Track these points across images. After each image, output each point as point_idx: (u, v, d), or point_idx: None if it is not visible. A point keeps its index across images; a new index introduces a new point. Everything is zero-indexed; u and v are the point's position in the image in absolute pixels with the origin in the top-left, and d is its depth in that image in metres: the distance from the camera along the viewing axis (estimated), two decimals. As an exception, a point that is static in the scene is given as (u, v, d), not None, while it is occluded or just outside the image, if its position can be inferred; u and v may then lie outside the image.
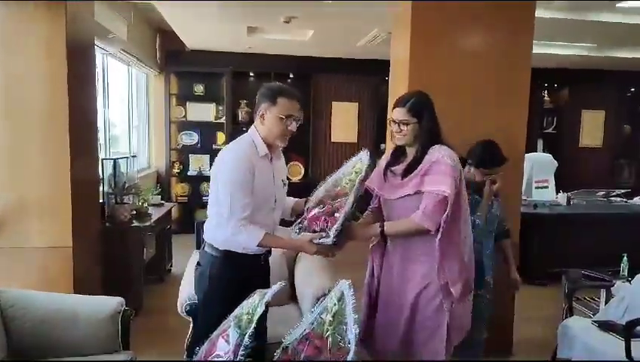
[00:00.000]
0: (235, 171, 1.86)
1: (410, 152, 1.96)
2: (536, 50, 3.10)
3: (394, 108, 1.97)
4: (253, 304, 1.65)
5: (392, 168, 2.00)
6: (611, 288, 2.87)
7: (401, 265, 1.96)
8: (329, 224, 1.85)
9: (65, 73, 2.52)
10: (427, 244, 1.87)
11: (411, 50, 2.88)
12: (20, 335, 2.04)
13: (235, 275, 1.90)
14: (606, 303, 2.94)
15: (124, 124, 5.52)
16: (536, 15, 3.04)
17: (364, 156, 1.93)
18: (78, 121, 2.67)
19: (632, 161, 7.18)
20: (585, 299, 3.31)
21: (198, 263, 2.02)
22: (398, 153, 2.02)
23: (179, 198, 6.32)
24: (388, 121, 2.05)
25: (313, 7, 3.95)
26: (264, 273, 2.07)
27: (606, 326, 2.52)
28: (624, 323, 2.34)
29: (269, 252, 2.09)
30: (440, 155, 1.87)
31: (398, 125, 1.92)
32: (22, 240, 2.54)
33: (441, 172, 1.84)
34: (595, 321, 2.61)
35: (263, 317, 1.64)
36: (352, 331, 1.60)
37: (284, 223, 2.11)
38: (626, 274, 3.12)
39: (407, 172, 1.91)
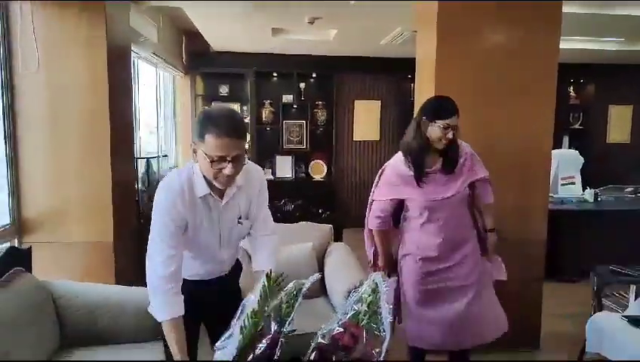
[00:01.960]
0: (160, 220, 1.57)
1: (437, 152, 2.11)
2: (561, 45, 3.10)
3: (450, 116, 2.07)
4: (292, 293, 1.73)
5: (429, 170, 2.13)
6: (641, 284, 2.86)
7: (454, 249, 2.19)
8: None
9: (106, 78, 2.66)
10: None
11: (438, 49, 2.90)
12: (70, 324, 2.17)
13: (192, 298, 1.63)
14: (636, 299, 2.93)
15: (152, 124, 5.70)
16: (566, 11, 3.03)
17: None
18: (117, 123, 2.81)
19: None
20: (614, 294, 3.31)
21: None
22: (421, 158, 2.12)
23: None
24: (416, 123, 2.18)
25: (337, 7, 4.02)
26: (221, 295, 1.77)
27: (636, 321, 2.52)
28: (655, 318, 2.34)
29: (230, 274, 1.84)
30: (468, 148, 2.23)
31: (452, 130, 2.07)
32: (67, 236, 2.70)
33: (479, 160, 2.25)
34: (624, 316, 2.61)
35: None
36: (387, 320, 1.67)
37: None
38: (656, 270, 3.09)
39: (451, 167, 2.10)
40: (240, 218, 1.71)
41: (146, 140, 5.49)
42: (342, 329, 1.72)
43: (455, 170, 2.13)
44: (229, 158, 1.47)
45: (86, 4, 2.63)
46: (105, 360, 2.07)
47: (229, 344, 1.55)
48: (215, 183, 1.55)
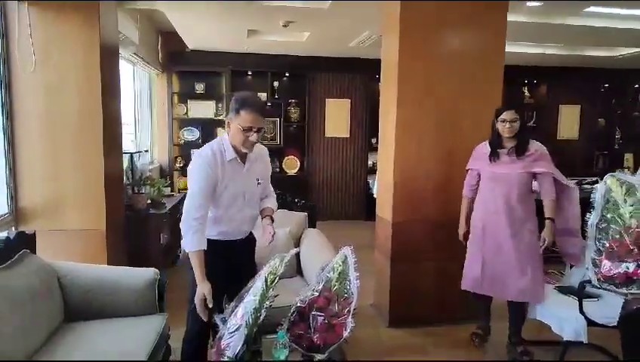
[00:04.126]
0: (197, 176, 2.07)
1: (511, 141, 2.84)
2: (515, 49, 3.50)
3: (505, 110, 2.82)
4: (275, 265, 2.04)
5: (500, 150, 2.86)
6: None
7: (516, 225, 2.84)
8: None
9: (99, 77, 2.88)
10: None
11: (400, 51, 3.26)
12: (73, 300, 2.41)
13: (211, 261, 2.10)
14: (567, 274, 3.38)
15: (130, 121, 5.85)
16: (514, 19, 3.43)
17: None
18: (108, 120, 3.04)
19: (605, 152, 7.69)
20: (553, 272, 3.75)
21: None
22: (494, 143, 2.89)
23: (182, 191, 6.65)
24: (492, 122, 2.91)
25: (310, 11, 4.33)
26: (243, 258, 2.30)
27: (564, 289, 2.96)
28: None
29: (247, 240, 2.32)
30: (541, 148, 2.86)
31: (510, 122, 2.78)
32: (63, 224, 2.92)
33: (547, 158, 2.83)
34: (556, 287, 3.05)
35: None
36: (355, 284, 2.02)
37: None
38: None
39: (519, 153, 2.81)
40: (258, 180, 2.25)
41: (128, 136, 5.65)
42: (317, 294, 2.06)
43: (521, 158, 2.81)
44: (255, 129, 2.05)
45: (80, 5, 2.83)
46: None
47: (234, 339, 1.86)
48: (242, 148, 2.10)
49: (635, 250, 2.00)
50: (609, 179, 2.10)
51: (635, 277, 2.01)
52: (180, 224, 2.09)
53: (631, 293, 1.98)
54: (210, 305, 2.04)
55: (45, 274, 2.31)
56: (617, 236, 2.14)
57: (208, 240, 2.14)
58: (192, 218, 2.06)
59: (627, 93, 7.67)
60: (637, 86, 7.64)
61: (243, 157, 2.17)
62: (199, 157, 2.11)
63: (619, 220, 2.06)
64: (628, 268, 2.16)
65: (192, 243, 2.07)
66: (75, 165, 2.92)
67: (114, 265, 2.90)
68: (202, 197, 2.07)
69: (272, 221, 2.28)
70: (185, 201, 2.10)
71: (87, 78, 2.87)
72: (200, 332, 2.22)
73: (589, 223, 2.39)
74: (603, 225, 2.38)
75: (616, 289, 2.03)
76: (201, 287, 2.05)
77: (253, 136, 2.06)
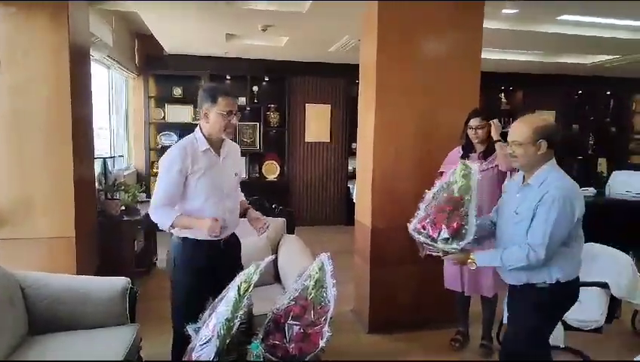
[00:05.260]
0: (168, 166, 2.13)
1: (482, 145, 2.95)
2: (492, 56, 3.55)
3: (472, 117, 2.92)
4: (249, 273, 1.98)
5: (471, 154, 2.95)
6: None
7: None
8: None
9: (68, 79, 2.78)
10: None
11: (378, 54, 3.26)
12: (38, 311, 2.30)
13: (195, 261, 2.17)
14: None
15: (105, 125, 5.71)
16: (490, 26, 3.48)
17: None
18: (79, 123, 2.93)
19: (580, 157, 7.86)
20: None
21: (168, 250, 2.33)
22: (465, 147, 3.01)
23: (159, 197, 6.52)
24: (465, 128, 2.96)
25: (289, 15, 4.30)
26: (228, 260, 2.25)
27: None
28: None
29: (231, 240, 2.30)
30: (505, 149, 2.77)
31: (476, 129, 2.91)
32: (30, 232, 2.80)
33: (506, 158, 2.66)
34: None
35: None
36: (332, 292, 1.97)
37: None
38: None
39: (486, 157, 2.93)
40: (235, 173, 2.32)
41: (97, 141, 5.50)
42: (293, 302, 2.01)
43: (489, 159, 2.85)
44: (234, 112, 2.15)
45: (48, 5, 2.73)
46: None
47: (205, 351, 1.80)
48: (224, 134, 2.17)
49: (448, 212, 2.12)
50: (460, 164, 2.24)
51: (447, 235, 2.07)
52: (150, 215, 2.15)
53: (452, 248, 2.06)
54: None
55: (7, 283, 2.20)
56: (437, 201, 2.21)
57: (190, 242, 2.18)
58: (158, 204, 2.14)
59: (599, 99, 7.86)
60: (609, 93, 7.84)
61: (217, 148, 2.22)
62: (175, 148, 2.17)
63: (447, 189, 2.21)
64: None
65: (165, 217, 2.12)
66: (43, 170, 2.81)
67: (84, 274, 2.79)
68: (168, 186, 2.13)
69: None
70: (153, 196, 2.18)
71: (56, 79, 2.77)
72: (179, 316, 2.14)
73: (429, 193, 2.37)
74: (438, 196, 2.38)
75: (435, 244, 2.08)
76: (203, 223, 2.09)
77: (234, 119, 2.15)
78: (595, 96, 7.81)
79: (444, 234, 2.10)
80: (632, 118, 8.10)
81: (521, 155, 2.05)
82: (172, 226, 2.13)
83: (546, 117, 2.11)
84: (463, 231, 2.10)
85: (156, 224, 2.16)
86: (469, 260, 2.13)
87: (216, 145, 2.21)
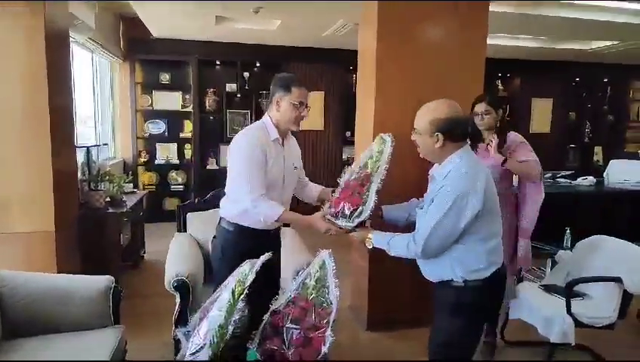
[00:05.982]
0: (252, 152, 2.07)
1: (489, 134, 2.76)
2: (490, 41, 3.38)
3: (477, 103, 2.79)
4: (244, 272, 1.82)
5: (481, 145, 2.70)
6: (555, 257, 3.22)
7: None
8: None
9: (44, 66, 2.56)
10: None
11: (378, 42, 3.08)
12: (13, 313, 2.12)
13: (246, 247, 2.07)
14: (551, 270, 3.30)
15: (89, 112, 5.47)
16: (495, 9, 3.31)
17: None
18: (57, 112, 2.72)
19: (576, 145, 7.77)
20: (533, 268, 3.68)
21: (215, 236, 2.27)
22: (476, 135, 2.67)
23: (146, 187, 6.30)
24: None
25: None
26: (275, 246, 2.25)
27: (550, 288, 2.86)
28: (564, 285, 2.68)
29: (279, 227, 2.32)
30: (518, 138, 2.84)
31: (481, 115, 2.75)
32: (5, 226, 2.59)
33: (524, 148, 2.86)
34: (541, 285, 2.95)
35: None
36: (334, 293, 1.81)
37: (310, 210, 2.21)
38: (569, 245, 3.49)
39: (499, 147, 2.80)
40: (295, 165, 2.29)
41: (82, 129, 5.27)
42: (292, 304, 1.85)
43: (501, 150, 2.70)
44: (305, 103, 2.14)
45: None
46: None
47: (199, 355, 1.63)
48: (292, 126, 2.15)
49: (352, 188, 2.09)
50: (377, 137, 2.19)
51: (347, 212, 2.02)
52: (249, 209, 2.06)
53: (346, 225, 2.02)
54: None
55: (-22, 285, 2.01)
56: (353, 177, 2.16)
57: (238, 228, 2.15)
58: (260, 193, 2.06)
59: (597, 87, 7.75)
60: (606, 80, 7.72)
61: (282, 139, 2.19)
62: (247, 136, 2.12)
63: (361, 166, 2.17)
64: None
65: (272, 212, 2.07)
66: (19, 161, 2.59)
67: (65, 271, 2.60)
68: (262, 173, 2.07)
69: None
70: (243, 180, 2.07)
71: (30, 64, 2.54)
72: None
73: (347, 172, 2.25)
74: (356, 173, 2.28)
75: (336, 221, 2.04)
76: (314, 222, 2.09)
77: (305, 111, 2.14)
78: (592, 84, 7.70)
79: (345, 210, 2.05)
80: (629, 105, 8.02)
81: (421, 145, 1.92)
82: (277, 221, 2.12)
83: (451, 105, 1.90)
84: (361, 208, 2.04)
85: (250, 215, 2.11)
86: (367, 239, 2.04)
87: (282, 135, 2.18)
